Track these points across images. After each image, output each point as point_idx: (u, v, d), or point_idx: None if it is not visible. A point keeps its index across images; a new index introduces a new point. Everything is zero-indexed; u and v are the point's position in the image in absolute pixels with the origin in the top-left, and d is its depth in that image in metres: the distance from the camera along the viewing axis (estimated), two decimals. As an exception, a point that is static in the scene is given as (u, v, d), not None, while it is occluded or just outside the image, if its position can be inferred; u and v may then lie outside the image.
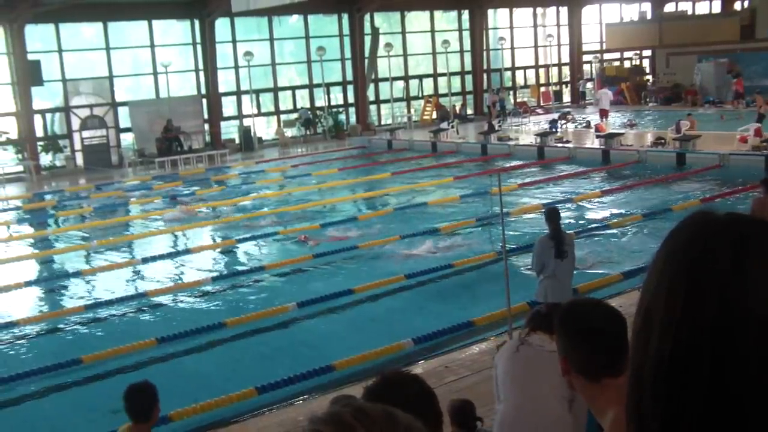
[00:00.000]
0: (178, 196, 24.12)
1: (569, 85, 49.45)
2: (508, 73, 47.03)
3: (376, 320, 12.38)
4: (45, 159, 33.24)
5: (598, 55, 50.22)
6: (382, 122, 42.04)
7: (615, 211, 19.55)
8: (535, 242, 10.06)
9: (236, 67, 37.58)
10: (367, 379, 8.42)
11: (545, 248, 9.64)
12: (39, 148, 32.99)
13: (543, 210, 10.35)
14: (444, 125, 35.59)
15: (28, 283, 16.06)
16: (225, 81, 37.76)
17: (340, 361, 10.34)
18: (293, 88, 40.24)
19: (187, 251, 17.84)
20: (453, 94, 42.03)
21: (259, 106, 38.58)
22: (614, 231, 17.36)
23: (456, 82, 44.32)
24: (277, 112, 39.44)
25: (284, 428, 8.32)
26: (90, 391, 10.46)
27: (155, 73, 35.68)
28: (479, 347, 10.50)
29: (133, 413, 5.40)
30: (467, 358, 10.08)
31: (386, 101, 41.59)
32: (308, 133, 38.97)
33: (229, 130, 37.60)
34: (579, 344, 2.74)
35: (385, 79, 40.73)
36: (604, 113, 33.88)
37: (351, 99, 41.23)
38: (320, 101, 39.96)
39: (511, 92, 46.07)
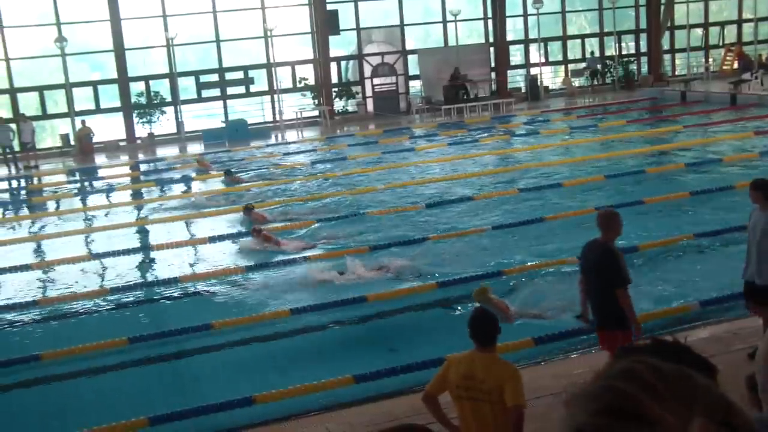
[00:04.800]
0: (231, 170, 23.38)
1: None
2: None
3: (660, 279, 11.75)
4: (338, 104, 34.97)
5: None
6: (676, 73, 39.84)
7: None
8: None
9: (525, 15, 37.15)
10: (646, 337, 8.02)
11: None
12: (333, 94, 34.73)
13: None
14: (746, 76, 33.07)
15: (320, 221, 16.96)
16: (513, 29, 37.51)
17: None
18: (583, 37, 39.17)
19: (470, 198, 17.97)
20: (759, 42, 38.73)
21: (546, 55, 37.99)
22: None
23: (764, 28, 40.79)
24: (565, 61, 38.61)
25: (558, 380, 8.14)
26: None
27: (444, 21, 36.17)
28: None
29: (479, 338, 5.59)
30: (761, 327, 9.27)
31: (682, 50, 39.24)
32: (596, 83, 37.78)
33: (516, 79, 37.39)
34: None
35: (682, 27, 38.39)
36: None
37: (643, 48, 39.45)
38: (611, 50, 38.55)
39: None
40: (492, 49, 36.79)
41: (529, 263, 12.81)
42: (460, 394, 5.54)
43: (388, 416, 7.58)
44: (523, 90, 36.65)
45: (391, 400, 8.22)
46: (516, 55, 38.05)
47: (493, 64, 36.65)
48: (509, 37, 37.32)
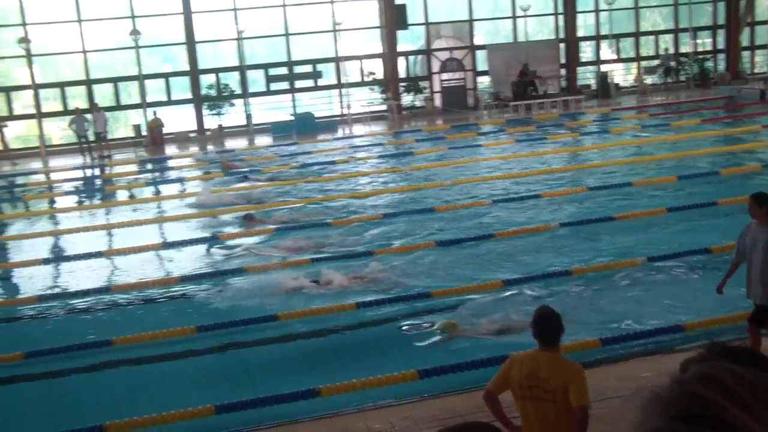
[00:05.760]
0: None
1: None
2: None
3: (736, 283, 11.44)
4: (406, 99, 34.94)
5: None
6: (756, 70, 38.80)
7: None
8: None
9: (596, 11, 36.62)
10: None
11: None
12: (401, 89, 34.72)
13: None
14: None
15: (387, 216, 16.95)
16: (584, 25, 37.01)
17: (691, 321, 9.73)
18: (656, 33, 38.45)
19: (537, 195, 17.80)
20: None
21: (618, 52, 37.39)
22: None
23: None
24: (638, 58, 37.93)
25: (625, 383, 8.01)
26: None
27: (514, 17, 35.86)
28: None
29: (543, 337, 5.54)
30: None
31: (762, 47, 38.23)
32: (670, 80, 37.04)
33: (586, 76, 36.88)
34: None
35: (763, 22, 37.39)
36: None
37: (720, 44, 38.51)
38: (686, 47, 37.74)
39: None
40: (562, 45, 36.37)
41: (597, 262, 12.62)
42: (523, 393, 5.48)
43: (451, 413, 7.55)
44: (593, 87, 36.15)
45: (455, 397, 8.18)
46: (586, 52, 37.54)
47: (563, 61, 36.23)
48: (580, 33, 36.84)
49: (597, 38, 37.06)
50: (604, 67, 36.37)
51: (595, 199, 17.32)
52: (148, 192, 23.01)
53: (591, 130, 27.66)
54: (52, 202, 22.70)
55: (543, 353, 5.51)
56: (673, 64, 37.10)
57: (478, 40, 36.05)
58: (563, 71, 36.18)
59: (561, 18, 36.50)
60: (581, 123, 29.11)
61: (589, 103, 33.56)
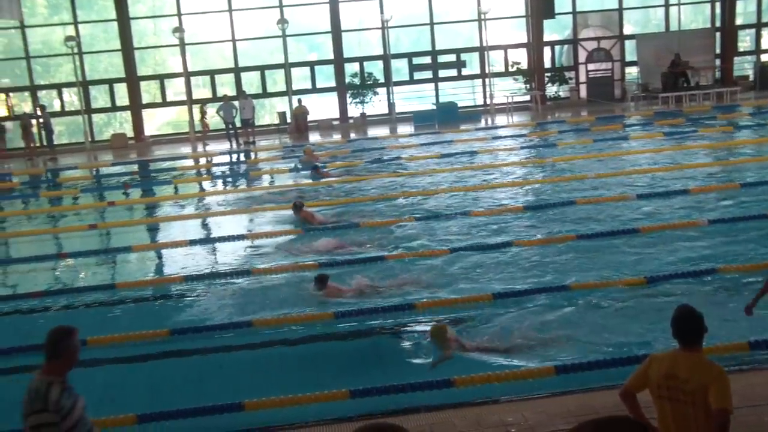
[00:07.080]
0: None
1: None
2: None
3: None
4: (550, 90, 34.30)
5: None
6: None
7: None
8: None
9: (759, -4, 34.87)
10: None
11: None
12: (545, 79, 34.11)
13: None
14: None
15: (528, 208, 16.67)
16: (743, 12, 35.25)
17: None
18: (824, 20, 36.21)
19: (685, 191, 17.09)
20: None
21: (780, 41, 35.48)
22: None
23: None
24: (803, 45, 35.85)
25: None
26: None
27: (666, 5, 34.63)
28: None
29: (683, 337, 5.34)
30: None
31: None
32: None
33: (743, 66, 35.14)
34: None
35: None
36: None
37: None
38: None
39: None
40: (718, 34, 34.77)
41: (747, 262, 11.98)
42: (660, 393, 5.33)
43: (587, 409, 7.33)
44: (751, 78, 34.41)
45: (592, 393, 7.94)
46: (745, 41, 35.77)
47: (718, 50, 34.64)
48: (738, 21, 35.11)
49: (758, 26, 35.22)
50: (764, 57, 34.55)
51: (749, 196, 16.45)
52: (289, 178, 23.46)
53: (746, 124, 26.34)
54: (199, 185, 23.53)
55: (683, 353, 5.32)
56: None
57: (627, 30, 34.99)
58: (718, 62, 34.60)
59: (718, 5, 34.90)
60: (735, 116, 27.78)
61: (746, 95, 31.96)
